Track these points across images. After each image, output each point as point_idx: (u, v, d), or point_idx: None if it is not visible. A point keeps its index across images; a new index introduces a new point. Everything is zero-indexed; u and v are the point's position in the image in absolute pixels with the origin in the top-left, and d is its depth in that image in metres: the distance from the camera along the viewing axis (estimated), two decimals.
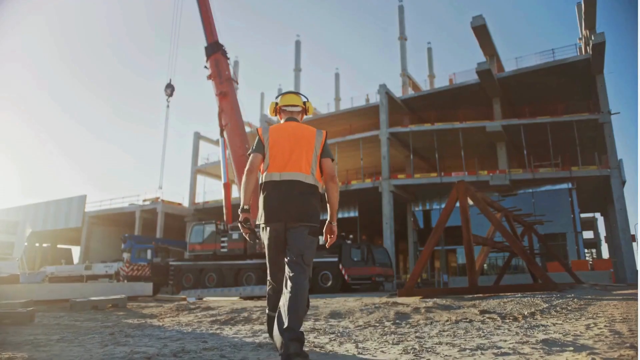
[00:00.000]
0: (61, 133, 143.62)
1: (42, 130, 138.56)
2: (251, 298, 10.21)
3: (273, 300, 2.57)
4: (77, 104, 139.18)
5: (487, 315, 3.92)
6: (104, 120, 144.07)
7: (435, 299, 5.39)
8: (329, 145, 2.67)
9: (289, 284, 2.29)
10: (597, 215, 38.97)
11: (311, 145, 2.56)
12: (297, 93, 2.87)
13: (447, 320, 3.68)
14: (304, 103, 2.83)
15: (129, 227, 33.04)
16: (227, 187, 21.13)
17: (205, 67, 22.81)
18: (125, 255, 23.07)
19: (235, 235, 18.51)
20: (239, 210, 2.54)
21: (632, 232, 26.41)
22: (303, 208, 2.44)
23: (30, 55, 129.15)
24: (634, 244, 25.93)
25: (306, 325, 3.82)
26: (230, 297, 10.91)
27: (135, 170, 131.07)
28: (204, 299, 10.22)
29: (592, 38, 21.76)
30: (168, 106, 24.78)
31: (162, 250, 24.65)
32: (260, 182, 2.58)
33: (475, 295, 5.51)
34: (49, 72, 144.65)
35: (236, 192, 24.79)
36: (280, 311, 2.22)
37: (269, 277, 2.58)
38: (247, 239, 2.57)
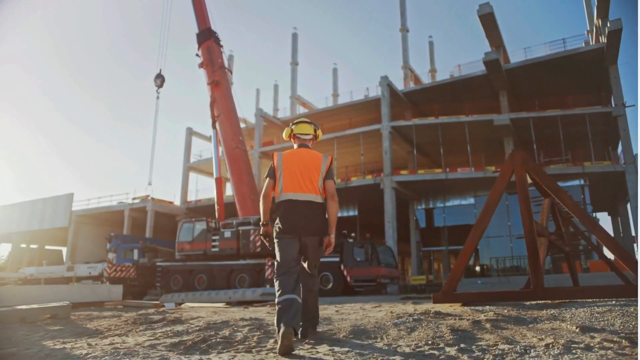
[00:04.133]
0: (58, 133, 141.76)
1: (37, 130, 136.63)
2: (242, 303, 8.75)
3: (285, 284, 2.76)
4: (74, 104, 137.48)
5: (596, 335, 2.52)
6: (100, 120, 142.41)
7: (487, 307, 3.99)
8: (333, 167, 3.10)
9: (302, 291, 2.82)
10: (599, 215, 37.72)
11: (318, 170, 2.97)
12: (309, 122, 3.24)
13: (546, 345, 2.28)
14: (315, 131, 3.23)
15: (118, 226, 31.53)
16: (219, 183, 19.72)
17: (197, 55, 21.42)
18: (111, 256, 21.60)
19: (227, 234, 16.98)
20: (260, 224, 3.00)
21: (633, 234, 25.13)
22: (315, 223, 2.91)
23: (28, 55, 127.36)
24: (635, 245, 24.63)
25: (320, 351, 2.43)
26: (217, 303, 9.44)
27: (132, 172, 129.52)
28: (183, 305, 8.72)
29: (608, 25, 20.56)
30: (158, 97, 23.47)
31: (150, 251, 23.13)
32: (276, 201, 2.97)
33: (539, 303, 4.12)
34: (46, 71, 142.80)
35: (230, 190, 23.33)
36: (288, 307, 2.61)
37: (278, 266, 2.84)
38: (267, 245, 3.00)
